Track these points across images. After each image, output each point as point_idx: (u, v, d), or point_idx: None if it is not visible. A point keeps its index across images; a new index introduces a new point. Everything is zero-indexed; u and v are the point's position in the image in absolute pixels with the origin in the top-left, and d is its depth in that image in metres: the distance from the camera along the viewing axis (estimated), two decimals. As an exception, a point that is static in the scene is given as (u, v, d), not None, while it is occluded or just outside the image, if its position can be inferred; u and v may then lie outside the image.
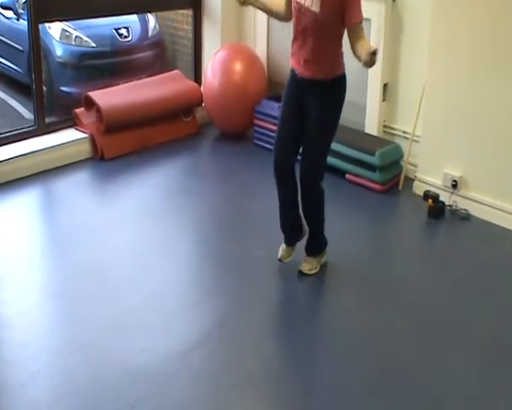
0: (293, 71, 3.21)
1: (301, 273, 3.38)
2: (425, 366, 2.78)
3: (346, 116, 4.73)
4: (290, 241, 3.46)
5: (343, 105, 3.22)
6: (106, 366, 2.71)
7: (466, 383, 2.71)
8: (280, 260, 3.45)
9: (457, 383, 2.70)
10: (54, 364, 2.75)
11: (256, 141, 5.03)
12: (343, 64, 3.15)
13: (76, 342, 2.87)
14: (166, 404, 2.53)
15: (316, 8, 2.94)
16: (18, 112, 5.94)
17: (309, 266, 3.40)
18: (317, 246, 3.44)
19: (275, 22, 5.02)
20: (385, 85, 4.59)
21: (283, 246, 3.47)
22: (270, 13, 3.30)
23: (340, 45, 3.08)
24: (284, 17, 3.24)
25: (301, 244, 3.44)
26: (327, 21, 2.97)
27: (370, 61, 2.86)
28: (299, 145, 3.25)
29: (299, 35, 3.09)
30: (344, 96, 3.20)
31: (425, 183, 4.26)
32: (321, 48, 3.04)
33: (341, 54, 3.13)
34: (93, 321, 3.00)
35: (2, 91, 6.37)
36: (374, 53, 2.80)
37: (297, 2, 3.02)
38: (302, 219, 3.41)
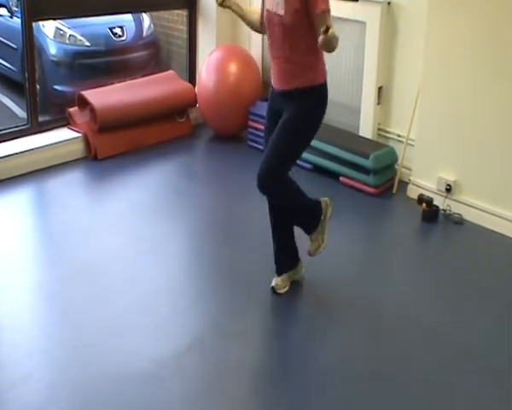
0: (271, 87, 3.09)
1: (310, 255, 3.24)
2: (423, 374, 2.78)
3: (341, 119, 4.79)
4: (279, 267, 3.26)
5: (320, 120, 2.98)
6: (98, 369, 2.69)
7: (467, 397, 2.71)
8: (273, 288, 3.23)
9: (458, 394, 2.69)
10: (45, 366, 2.74)
11: (250, 142, 5.03)
12: (323, 73, 2.97)
13: (68, 344, 2.85)
14: (158, 407, 2.52)
15: (281, 10, 2.83)
16: (11, 110, 5.91)
17: (315, 244, 3.22)
18: (310, 219, 3.21)
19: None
20: (380, 89, 4.59)
21: (276, 277, 3.27)
22: (247, 22, 3.16)
23: (315, 52, 2.88)
24: (259, 28, 3.16)
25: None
26: (294, 24, 2.81)
27: (325, 42, 2.60)
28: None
29: (273, 45, 2.97)
30: (322, 107, 2.98)
31: (419, 186, 4.27)
32: (294, 55, 2.89)
33: (319, 62, 2.95)
34: (85, 323, 2.98)
35: (-4, 89, 6.36)
36: (326, 31, 2.53)
37: (267, 10, 2.93)
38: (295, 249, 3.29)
